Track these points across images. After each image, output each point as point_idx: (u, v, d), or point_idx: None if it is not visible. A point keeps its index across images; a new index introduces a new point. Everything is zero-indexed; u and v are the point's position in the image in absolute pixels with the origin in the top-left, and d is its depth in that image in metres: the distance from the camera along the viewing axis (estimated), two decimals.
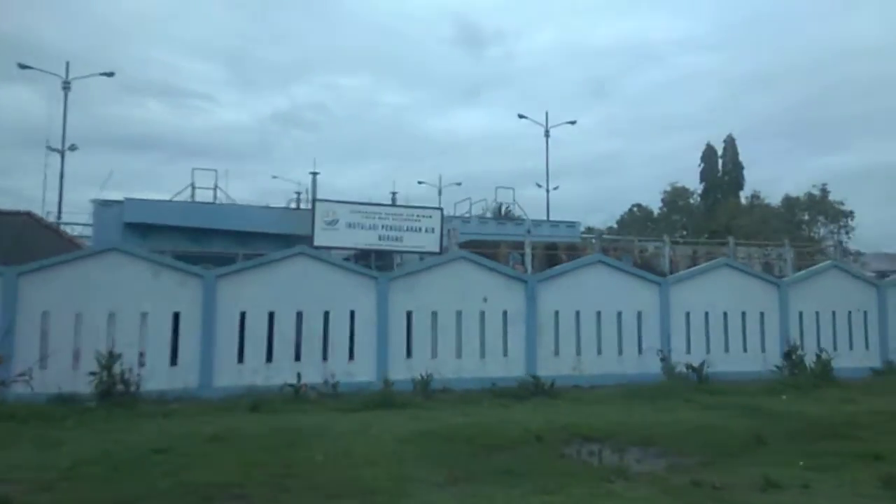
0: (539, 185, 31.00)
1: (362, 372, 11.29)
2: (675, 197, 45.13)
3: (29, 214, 15.05)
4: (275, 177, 57.22)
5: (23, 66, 26.23)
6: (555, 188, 33.29)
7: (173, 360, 10.54)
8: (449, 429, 7.26)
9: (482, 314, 12.21)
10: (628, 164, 77.35)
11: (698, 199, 45.27)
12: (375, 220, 17.89)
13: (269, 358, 11.01)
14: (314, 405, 8.94)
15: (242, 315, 10.97)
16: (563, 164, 71.73)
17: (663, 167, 73.61)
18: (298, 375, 9.94)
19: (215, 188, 22.04)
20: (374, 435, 6.88)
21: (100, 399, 8.51)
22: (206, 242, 19.28)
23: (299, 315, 11.24)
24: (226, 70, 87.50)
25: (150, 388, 9.91)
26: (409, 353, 11.70)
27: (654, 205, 46.74)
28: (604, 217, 56.59)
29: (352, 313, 11.50)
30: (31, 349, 9.87)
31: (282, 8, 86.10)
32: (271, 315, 11.12)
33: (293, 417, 7.90)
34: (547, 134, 31.35)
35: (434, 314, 11.92)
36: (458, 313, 12.07)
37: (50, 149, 26.29)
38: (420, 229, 18.06)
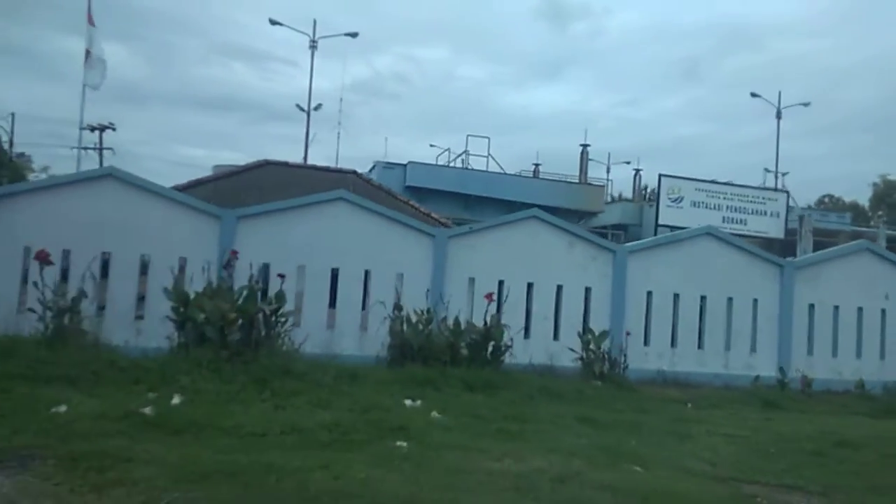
0: (768, 171, 29.01)
1: (763, 366, 10.47)
2: (890, 190, 41.69)
3: (356, 174, 15.05)
4: (432, 145, 56.83)
5: (273, 23, 26.75)
6: (785, 173, 31.01)
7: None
8: None
9: (883, 312, 11.11)
10: (715, 149, 72.27)
11: None
12: (720, 199, 16.90)
13: (673, 342, 10.42)
14: (812, 404, 8.17)
15: (648, 295, 10.37)
16: (645, 147, 67.67)
17: (753, 155, 68.02)
18: (781, 370, 9.22)
19: (488, 156, 21.72)
20: None
21: (594, 378, 8.06)
22: (478, 210, 18.98)
23: (703, 299, 10.53)
24: (309, 37, 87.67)
25: (564, 363, 9.48)
26: (809, 350, 10.80)
27: None
28: None
29: (754, 301, 10.68)
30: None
31: None
32: (675, 297, 10.46)
33: (845, 420, 7.14)
34: (779, 115, 29.30)
35: (836, 309, 10.93)
36: (860, 310, 11.02)
37: (299, 108, 26.84)
38: (765, 213, 16.93)
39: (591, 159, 29.12)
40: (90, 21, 13.66)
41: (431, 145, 51.03)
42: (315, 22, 26.63)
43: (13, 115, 32.72)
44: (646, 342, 10.30)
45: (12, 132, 33.39)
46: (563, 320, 10.07)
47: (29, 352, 5.82)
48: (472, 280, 9.78)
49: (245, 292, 6.66)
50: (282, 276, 7.29)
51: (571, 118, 76.83)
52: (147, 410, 4.66)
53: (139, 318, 8.91)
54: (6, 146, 32.46)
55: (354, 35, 27.43)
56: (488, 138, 22.30)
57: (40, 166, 32.57)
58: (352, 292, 9.39)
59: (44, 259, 6.55)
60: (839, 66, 70.10)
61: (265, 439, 4.47)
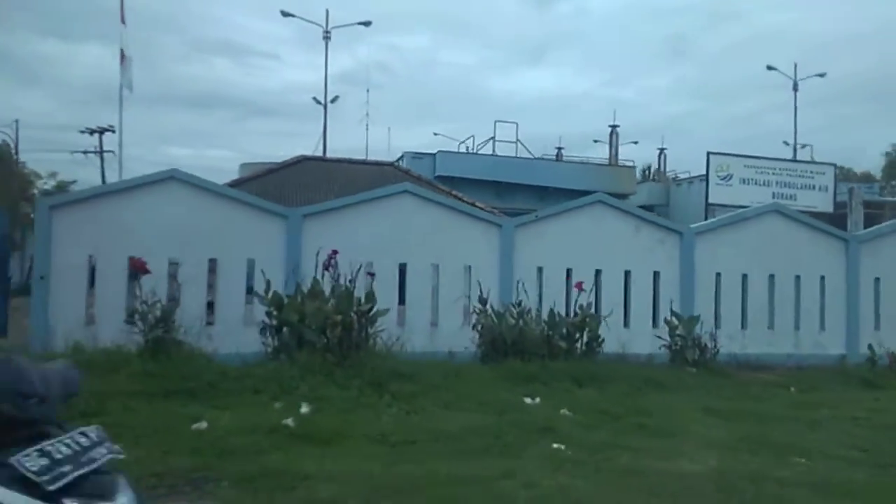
0: (787, 143, 28.68)
1: (832, 344, 10.32)
2: None
3: (393, 165, 14.83)
4: (436, 134, 56.12)
5: (285, 14, 26.23)
6: (804, 146, 30.61)
7: (654, 322, 9.88)
8: None
9: None
10: (701, 126, 71.67)
11: None
12: (769, 175, 16.67)
13: (743, 324, 10.24)
14: None
15: (717, 276, 10.17)
16: (634, 126, 66.95)
17: (741, 130, 67.45)
18: (870, 347, 8.98)
19: (517, 142, 21.39)
20: None
21: (687, 365, 7.87)
22: (509, 197, 18.72)
23: (771, 278, 10.34)
24: (289, 30, 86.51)
25: (636, 350, 9.29)
26: (876, 325, 10.63)
27: None
28: None
29: (821, 278, 10.50)
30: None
31: None
32: (743, 277, 10.27)
33: None
34: (795, 88, 29.00)
35: None
36: None
37: (315, 101, 26.46)
38: (814, 187, 16.72)
39: (596, 140, 28.66)
40: (122, 20, 13.32)
41: (436, 134, 50.13)
42: (328, 12, 26.21)
43: (17, 122, 32.11)
44: (716, 325, 10.10)
45: (17, 139, 32.87)
46: (632, 307, 9.89)
47: (134, 365, 5.62)
48: (540, 269, 9.58)
49: (339, 293, 6.44)
50: (371, 274, 7.06)
51: (558, 102, 75.81)
52: (289, 422, 4.47)
53: (209, 324, 8.71)
54: (13, 155, 31.79)
55: (367, 24, 26.93)
56: (516, 124, 22.04)
57: (47, 172, 31.96)
58: (421, 288, 9.18)
59: (140, 268, 6.33)
60: (825, 37, 69.48)
61: (419, 447, 4.29)
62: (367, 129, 27.44)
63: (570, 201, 10.46)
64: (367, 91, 28.83)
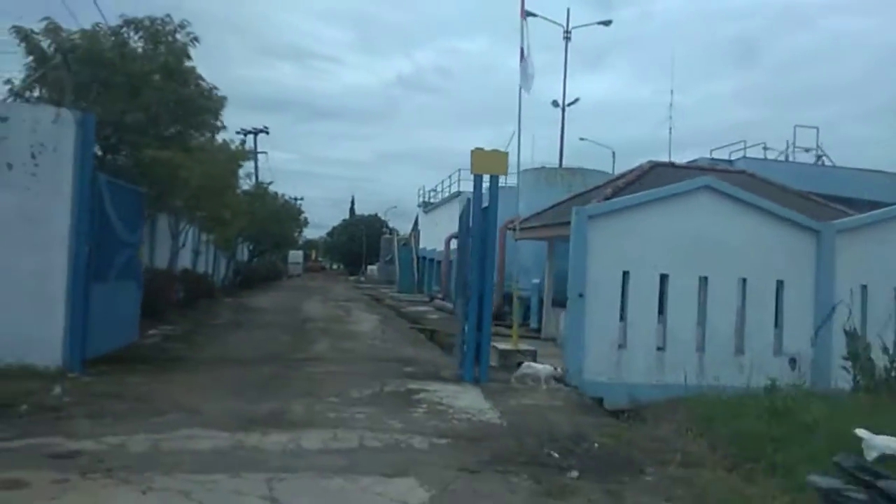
0: None
1: None
2: None
3: (744, 172, 13.82)
4: (582, 139, 53.51)
5: (528, 14, 25.54)
6: None
7: None
8: None
9: None
10: (765, 134, 66.50)
11: None
12: None
13: None
14: None
15: None
16: (692, 134, 62.57)
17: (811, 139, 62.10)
18: None
19: (818, 149, 19.90)
20: None
21: None
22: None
23: None
24: (353, 34, 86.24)
25: None
26: None
27: None
28: None
29: None
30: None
31: None
32: None
33: None
34: None
35: None
36: None
37: (554, 104, 25.83)
38: None
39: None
40: (523, 15, 12.74)
41: (581, 139, 45.63)
42: (568, 11, 25.48)
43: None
44: None
45: (256, 158, 33.23)
46: None
47: None
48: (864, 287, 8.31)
49: None
50: None
51: (616, 107, 72.89)
52: None
53: (739, 352, 7.94)
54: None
55: (608, 23, 26.00)
56: (817, 128, 20.45)
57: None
58: None
59: None
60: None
61: None
62: (670, 132, 26.52)
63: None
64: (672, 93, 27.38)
